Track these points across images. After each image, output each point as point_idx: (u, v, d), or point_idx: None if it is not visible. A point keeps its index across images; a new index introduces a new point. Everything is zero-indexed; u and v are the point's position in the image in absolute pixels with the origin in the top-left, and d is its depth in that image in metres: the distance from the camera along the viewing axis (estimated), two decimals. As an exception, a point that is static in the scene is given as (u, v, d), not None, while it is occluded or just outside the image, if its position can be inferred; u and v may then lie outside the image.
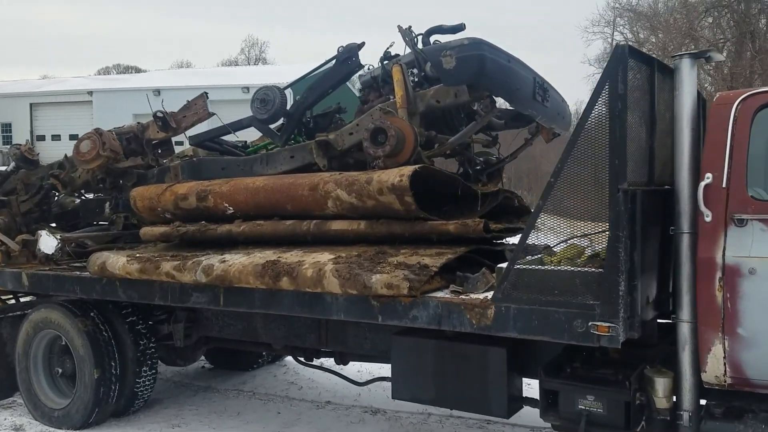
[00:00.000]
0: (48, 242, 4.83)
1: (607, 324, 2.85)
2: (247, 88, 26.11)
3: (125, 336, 5.04)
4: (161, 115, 5.40)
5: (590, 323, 2.89)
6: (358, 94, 4.92)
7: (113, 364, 4.89)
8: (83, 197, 6.77)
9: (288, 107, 5.02)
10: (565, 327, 2.96)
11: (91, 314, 4.97)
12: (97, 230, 5.57)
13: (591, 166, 2.91)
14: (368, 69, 4.90)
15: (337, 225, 4.12)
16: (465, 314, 3.24)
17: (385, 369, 5.94)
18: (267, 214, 4.44)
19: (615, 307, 2.85)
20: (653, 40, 26.58)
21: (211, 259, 4.08)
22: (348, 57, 4.80)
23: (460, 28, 4.65)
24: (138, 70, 43.94)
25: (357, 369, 5.80)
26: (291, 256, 3.92)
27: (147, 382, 5.12)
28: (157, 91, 27.39)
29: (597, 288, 2.90)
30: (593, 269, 2.94)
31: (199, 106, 5.42)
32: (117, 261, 4.39)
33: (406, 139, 4.01)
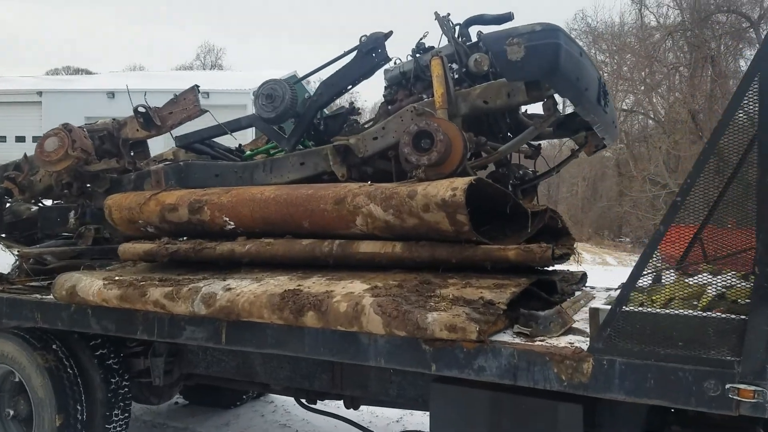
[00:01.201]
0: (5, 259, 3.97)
1: (753, 388, 2.21)
2: (206, 94, 25.18)
3: (94, 373, 4.20)
4: (144, 110, 4.59)
5: (728, 386, 2.24)
6: (384, 92, 4.22)
7: (79, 408, 4.04)
8: (41, 204, 5.89)
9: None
10: (692, 389, 2.30)
11: (53, 346, 4.11)
12: (61, 244, 4.70)
13: (734, 181, 2.27)
14: (396, 63, 4.22)
15: (367, 247, 3.40)
16: (551, 367, 2.55)
17: (406, 417, 5.25)
18: (277, 231, 3.69)
19: (763, 366, 2.21)
20: (609, 62, 26.80)
21: (213, 285, 3.30)
22: (373, 48, 4.11)
23: (508, 17, 4.01)
24: (89, 73, 41.98)
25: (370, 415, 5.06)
26: (314, 285, 3.18)
27: (119, 429, 4.27)
28: (111, 94, 26.11)
29: (738, 340, 2.25)
30: (734, 316, 2.30)
31: (188, 101, 4.63)
32: (91, 285, 3.57)
33: (453, 146, 3.33)
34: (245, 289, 3.20)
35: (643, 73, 24.36)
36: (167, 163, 4.78)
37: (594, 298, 3.96)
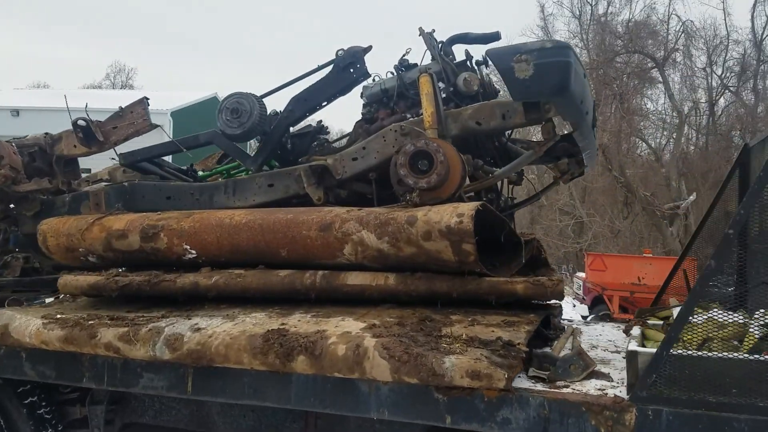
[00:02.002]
0: None
1: (820, 439, 1.99)
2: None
3: (23, 425, 3.56)
4: (84, 123, 4.05)
5: (791, 436, 2.02)
6: (362, 110, 3.89)
7: (3, 470, 3.41)
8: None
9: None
10: (750, 441, 2.07)
11: (-29, 396, 3.47)
12: None
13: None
14: (375, 79, 3.91)
15: (356, 278, 3.04)
16: (588, 419, 2.26)
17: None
18: (247, 260, 3.27)
19: (831, 415, 2.01)
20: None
21: (177, 325, 2.83)
22: (351, 63, 3.79)
23: (495, 37, 3.80)
24: (-16, 90, 38.88)
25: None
26: (300, 323, 2.78)
27: (49, 491, 3.65)
28: (16, 111, 24.44)
29: (800, 386, 2.05)
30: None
31: (136, 114, 4.13)
32: (27, 325, 3.00)
33: (451, 168, 3.04)
34: (218, 330, 2.75)
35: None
36: (107, 183, 4.24)
37: (580, 332, 3.74)
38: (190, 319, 2.91)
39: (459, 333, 2.59)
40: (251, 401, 2.75)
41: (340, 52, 3.83)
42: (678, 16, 22.44)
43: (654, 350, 2.22)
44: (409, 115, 3.70)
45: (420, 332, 2.64)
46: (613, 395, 2.29)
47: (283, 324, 2.75)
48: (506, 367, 2.33)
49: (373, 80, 3.91)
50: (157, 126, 4.12)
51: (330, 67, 3.86)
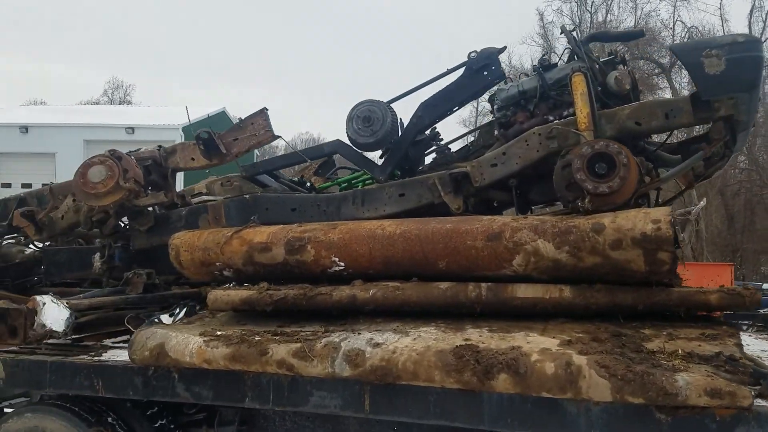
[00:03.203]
0: (56, 313, 3.19)
1: None
2: (131, 129, 23.60)
3: (155, 450, 3.44)
4: (206, 135, 3.95)
5: None
6: (496, 114, 3.74)
7: (145, 495, 3.28)
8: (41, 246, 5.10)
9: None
10: None
11: (109, 420, 3.34)
12: (108, 293, 3.93)
13: None
14: (510, 81, 3.77)
15: (526, 291, 2.86)
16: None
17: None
18: (399, 273, 3.12)
19: None
20: None
21: (353, 340, 2.68)
22: (486, 65, 3.65)
23: (638, 34, 3.64)
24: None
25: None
26: (483, 339, 2.61)
27: None
28: (24, 128, 24.52)
29: None
30: None
31: (257, 125, 4.01)
32: (186, 343, 2.87)
33: (630, 171, 2.87)
34: (398, 345, 2.59)
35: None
36: (227, 197, 4.14)
37: None
38: (359, 334, 2.76)
39: (671, 348, 2.41)
40: (438, 421, 2.58)
41: (472, 54, 3.69)
42: (683, 22, 22.22)
43: None
44: (551, 118, 3.55)
45: (623, 348, 2.46)
46: None
47: (466, 339, 2.59)
48: (743, 383, 2.15)
49: (507, 82, 3.77)
50: (278, 137, 4.00)
51: (460, 71, 3.73)
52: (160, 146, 4.29)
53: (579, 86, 3.25)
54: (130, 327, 3.81)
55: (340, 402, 2.71)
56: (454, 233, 2.94)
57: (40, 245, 5.02)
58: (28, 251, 5.49)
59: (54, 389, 3.27)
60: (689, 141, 3.71)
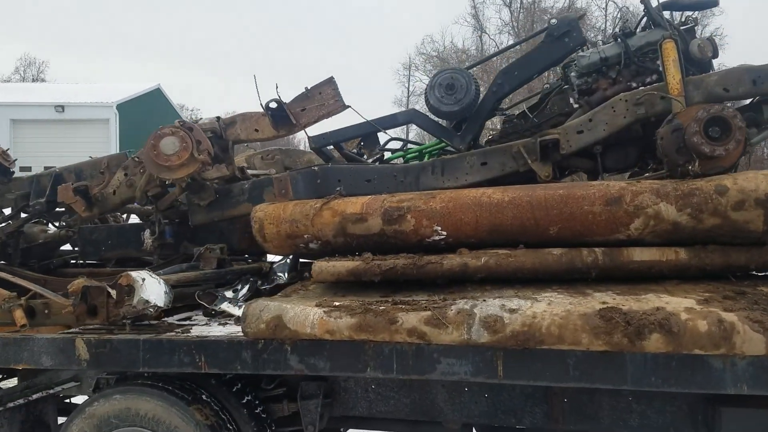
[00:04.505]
0: (157, 288, 3.07)
1: None
2: (61, 107, 22.39)
3: (246, 426, 3.38)
4: (275, 105, 3.84)
5: None
6: (577, 81, 3.73)
7: (247, 472, 3.22)
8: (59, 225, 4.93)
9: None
10: None
11: (204, 397, 3.27)
12: (186, 269, 3.81)
13: None
14: (589, 48, 3.77)
15: (643, 254, 2.90)
16: None
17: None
18: (506, 240, 3.11)
19: None
20: None
21: (485, 306, 2.67)
22: (567, 32, 3.64)
23: (713, 3, 3.69)
24: None
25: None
26: (618, 301, 2.64)
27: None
28: None
29: None
30: None
31: (326, 95, 3.92)
32: (306, 315, 2.81)
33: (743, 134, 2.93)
34: (536, 310, 2.60)
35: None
36: (302, 168, 4.04)
37: None
38: (485, 300, 2.75)
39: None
40: (577, 384, 2.61)
41: (553, 21, 3.68)
42: (615, 3, 22.73)
43: None
44: (634, 84, 3.58)
45: (758, 305, 2.52)
46: None
47: (604, 303, 2.61)
48: None
49: (587, 49, 3.77)
50: (349, 107, 3.92)
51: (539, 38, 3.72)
52: (218, 117, 4.16)
53: (671, 53, 3.27)
54: (203, 303, 3.72)
55: (470, 369, 2.71)
56: (570, 199, 2.95)
57: (73, 224, 4.84)
58: (51, 231, 5.29)
59: (149, 368, 3.17)
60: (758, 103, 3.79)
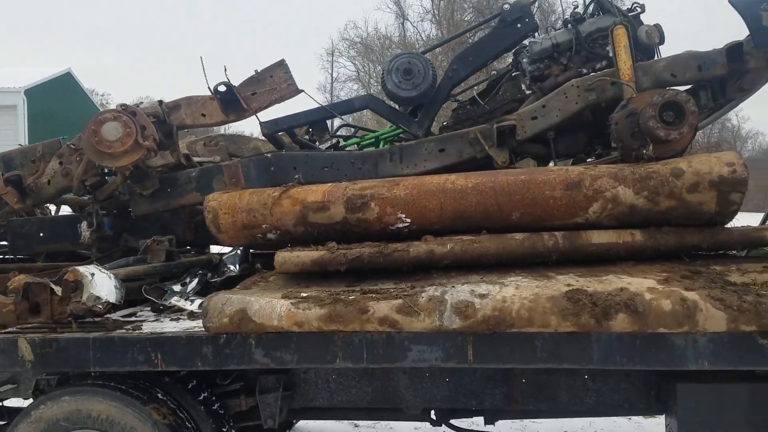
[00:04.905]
0: (109, 284, 2.88)
1: None
2: None
3: (204, 424, 3.26)
4: (225, 88, 3.68)
5: None
6: (529, 67, 3.78)
7: (208, 473, 3.11)
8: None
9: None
10: None
11: (159, 396, 3.12)
12: (133, 263, 3.60)
13: None
14: (539, 35, 3.82)
15: (601, 237, 2.98)
16: None
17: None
18: (470, 227, 3.12)
19: None
20: (373, 71, 28.74)
21: (455, 292, 2.67)
22: (519, 17, 3.67)
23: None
24: None
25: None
26: (582, 283, 2.70)
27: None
28: None
29: None
30: None
31: (278, 78, 3.79)
32: (273, 307, 2.73)
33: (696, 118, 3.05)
34: (506, 294, 2.62)
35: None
36: (253, 156, 3.91)
37: None
38: (454, 287, 2.75)
39: (761, 280, 2.62)
40: (545, 365, 2.66)
41: (506, 6, 3.70)
42: None
43: None
44: (584, 71, 3.66)
45: (715, 283, 2.64)
46: None
47: (569, 285, 2.67)
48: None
49: (537, 36, 3.82)
50: (302, 91, 3.81)
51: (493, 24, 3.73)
52: (161, 101, 3.95)
53: (622, 39, 3.36)
54: (151, 298, 3.56)
55: (441, 354, 2.71)
56: (532, 184, 2.99)
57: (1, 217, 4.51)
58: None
59: (100, 368, 2.99)
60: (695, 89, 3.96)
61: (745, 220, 3.47)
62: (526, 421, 5.01)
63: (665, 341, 2.54)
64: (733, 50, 3.34)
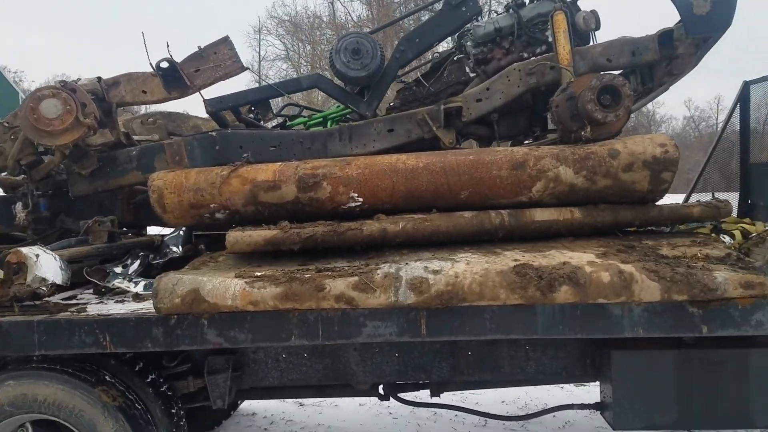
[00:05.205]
0: (54, 265, 2.77)
1: None
2: None
3: (153, 405, 3.23)
4: (168, 64, 3.59)
5: None
6: (473, 50, 3.87)
7: (160, 454, 3.09)
8: None
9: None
10: None
11: (107, 378, 3.07)
12: (75, 243, 3.47)
13: None
14: (482, 18, 3.91)
15: (542, 215, 3.13)
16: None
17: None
18: (420, 206, 3.20)
19: None
20: (303, 51, 28.85)
21: (408, 269, 2.75)
22: (463, 1, 3.75)
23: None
24: None
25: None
26: (528, 258, 2.83)
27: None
28: None
29: None
30: None
31: (222, 55, 3.72)
32: (226, 287, 2.72)
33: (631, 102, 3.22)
34: (458, 270, 2.72)
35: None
36: (198, 134, 3.84)
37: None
38: (407, 263, 2.83)
39: (690, 253, 2.83)
40: (494, 336, 2.78)
41: None
42: None
43: None
44: (525, 55, 3.79)
45: (649, 257, 2.83)
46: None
47: (516, 260, 2.79)
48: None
49: (480, 20, 3.91)
50: (247, 68, 3.76)
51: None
52: (99, 77, 3.82)
53: (561, 24, 3.50)
54: (94, 280, 3.48)
55: (396, 329, 2.79)
56: (480, 164, 3.09)
57: None
58: None
59: (45, 351, 2.91)
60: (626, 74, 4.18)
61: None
62: (466, 393, 5.19)
63: (604, 311, 2.71)
64: (664, 36, 3.54)
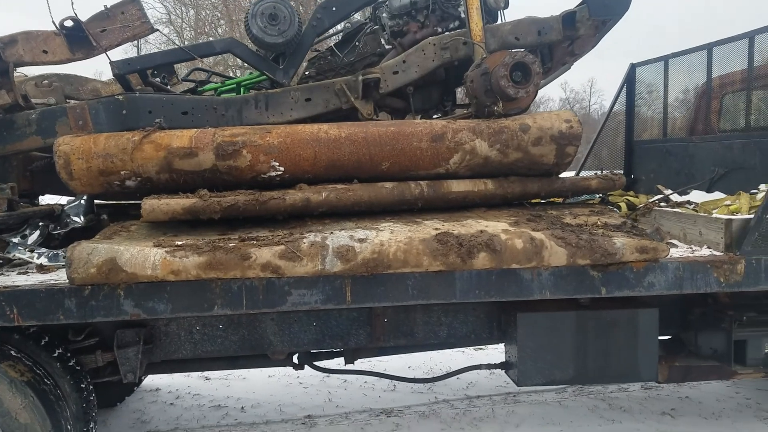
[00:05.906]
0: None
1: None
2: None
3: (61, 380, 3.11)
4: (72, 23, 3.35)
5: None
6: (389, 22, 3.91)
7: (69, 428, 2.97)
8: None
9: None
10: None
11: (13, 353, 2.90)
12: None
13: None
14: None
15: (459, 186, 3.27)
16: (711, 273, 2.97)
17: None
18: (342, 176, 3.24)
19: None
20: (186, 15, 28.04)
21: (335, 238, 2.79)
22: (381, -27, 3.78)
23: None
24: None
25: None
26: (448, 227, 2.96)
27: (98, 446, 3.26)
28: None
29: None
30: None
31: (130, 15, 3.52)
32: (145, 256, 2.63)
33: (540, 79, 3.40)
34: (383, 239, 2.80)
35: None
36: (100, 97, 3.63)
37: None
38: (332, 232, 2.87)
39: (592, 221, 3.07)
40: (416, 301, 2.90)
41: None
42: None
43: (749, 217, 3.00)
44: (439, 29, 3.89)
45: (555, 224, 3.05)
46: (729, 254, 3.01)
47: (437, 229, 2.91)
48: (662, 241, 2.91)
49: (396, -7, 3.94)
50: (156, 30, 3.59)
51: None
52: (-9, 33, 3.50)
53: (474, 1, 3.61)
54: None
55: (321, 297, 2.84)
56: (401, 135, 3.16)
57: None
58: None
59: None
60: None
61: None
62: (374, 361, 5.35)
63: (515, 276, 2.90)
64: (567, 17, 3.77)
